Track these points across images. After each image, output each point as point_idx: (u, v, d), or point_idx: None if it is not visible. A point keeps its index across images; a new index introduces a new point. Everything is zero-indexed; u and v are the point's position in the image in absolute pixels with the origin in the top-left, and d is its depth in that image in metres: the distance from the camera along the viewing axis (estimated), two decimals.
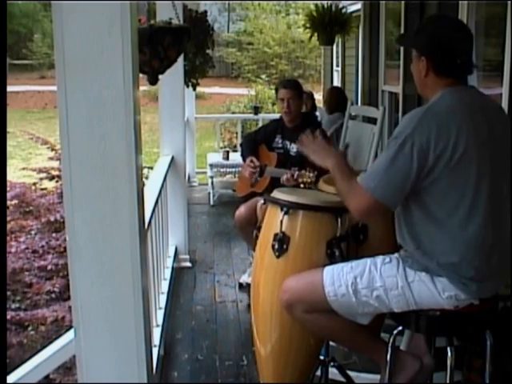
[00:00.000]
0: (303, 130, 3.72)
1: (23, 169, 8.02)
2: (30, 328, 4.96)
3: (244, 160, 3.88)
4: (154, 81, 2.33)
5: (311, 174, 2.63)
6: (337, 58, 9.04)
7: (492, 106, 2.04)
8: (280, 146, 3.84)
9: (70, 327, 1.95)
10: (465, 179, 1.83)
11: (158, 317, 3.09)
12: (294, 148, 3.75)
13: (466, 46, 1.95)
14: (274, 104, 11.26)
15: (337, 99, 5.53)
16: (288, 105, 3.71)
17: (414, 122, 1.83)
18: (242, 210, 3.74)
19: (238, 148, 7.56)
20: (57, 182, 6.79)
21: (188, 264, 4.42)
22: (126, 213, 1.44)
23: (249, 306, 2.78)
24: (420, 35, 2.00)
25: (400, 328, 2.05)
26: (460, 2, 3.71)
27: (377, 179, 1.84)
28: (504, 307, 2.22)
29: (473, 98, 1.96)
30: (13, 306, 5.13)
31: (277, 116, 4.13)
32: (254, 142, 3.97)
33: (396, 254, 2.00)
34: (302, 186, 2.66)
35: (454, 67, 1.93)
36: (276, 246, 2.19)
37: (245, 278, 3.95)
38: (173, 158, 4.28)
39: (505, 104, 3.13)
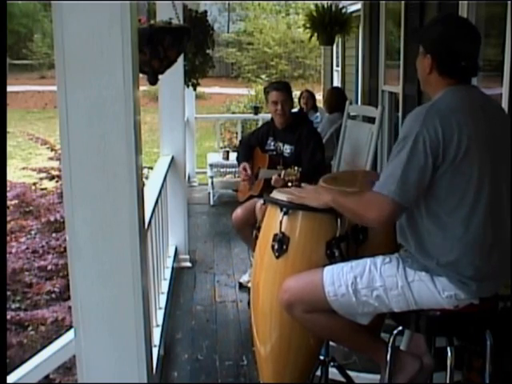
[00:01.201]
0: (294, 130, 3.77)
1: (23, 169, 8.01)
2: (30, 328, 4.96)
3: (239, 165, 3.92)
4: (154, 81, 2.33)
5: (295, 171, 2.64)
6: (337, 58, 9.03)
7: (493, 106, 2.04)
8: (273, 148, 3.86)
9: (70, 327, 1.95)
10: (466, 178, 1.83)
11: (158, 317, 3.09)
12: (287, 149, 3.77)
13: (473, 49, 1.94)
14: None
15: (337, 99, 5.54)
16: (282, 107, 3.72)
17: (421, 119, 1.82)
18: (238, 211, 3.76)
19: None
20: (57, 182, 6.79)
21: (188, 264, 4.42)
22: (126, 213, 1.44)
23: (248, 303, 2.77)
24: (428, 32, 2.00)
25: (400, 328, 2.05)
26: (460, 1, 3.71)
27: (395, 182, 1.80)
28: (504, 307, 2.22)
29: (474, 98, 1.96)
30: (13, 306, 5.13)
31: None
32: (249, 147, 4.00)
33: (396, 254, 2.00)
34: (289, 184, 2.66)
35: (458, 68, 1.92)
36: (276, 247, 2.19)
37: (245, 278, 3.95)
38: (173, 157, 4.28)
39: (505, 104, 3.13)
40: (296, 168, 2.55)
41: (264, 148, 3.89)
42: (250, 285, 3.83)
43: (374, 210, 1.85)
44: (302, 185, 2.30)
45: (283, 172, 2.67)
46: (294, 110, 3.97)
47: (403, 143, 1.82)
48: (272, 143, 3.87)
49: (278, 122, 3.80)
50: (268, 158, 3.81)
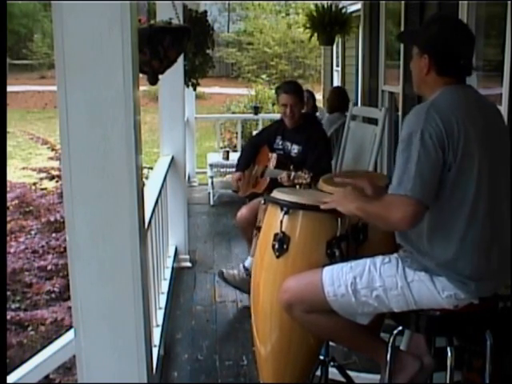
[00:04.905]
0: (303, 131, 3.77)
1: (23, 169, 8.00)
2: (29, 328, 4.95)
3: (236, 170, 3.93)
4: (154, 81, 2.33)
5: (307, 176, 2.64)
6: (337, 57, 9.03)
7: (488, 105, 2.05)
8: (280, 147, 3.86)
9: (70, 327, 1.95)
10: (467, 176, 1.83)
11: (158, 317, 3.09)
12: (294, 149, 3.77)
13: (469, 47, 1.96)
14: (274, 104, 11.26)
15: (339, 99, 5.53)
16: (291, 110, 3.71)
17: (423, 116, 1.82)
18: (243, 211, 3.76)
19: (239, 148, 7.62)
20: (57, 182, 6.78)
21: (188, 264, 4.42)
22: (126, 213, 1.43)
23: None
24: (424, 33, 2.00)
25: (400, 328, 2.05)
26: (460, 1, 3.71)
27: (411, 179, 1.76)
28: (504, 307, 2.22)
29: (470, 97, 1.97)
30: (13, 306, 5.12)
31: (277, 116, 4.14)
32: (255, 148, 4.00)
33: (395, 254, 2.00)
34: (297, 186, 2.67)
35: (456, 67, 1.93)
36: (276, 246, 2.19)
37: (247, 264, 3.88)
38: (173, 157, 4.28)
39: (505, 104, 3.13)
40: (307, 172, 2.55)
41: (272, 146, 3.90)
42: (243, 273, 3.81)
43: (397, 211, 1.78)
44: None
45: (293, 174, 2.66)
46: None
47: (409, 141, 1.80)
48: (280, 142, 3.86)
49: (288, 123, 3.80)
50: (277, 157, 3.82)
